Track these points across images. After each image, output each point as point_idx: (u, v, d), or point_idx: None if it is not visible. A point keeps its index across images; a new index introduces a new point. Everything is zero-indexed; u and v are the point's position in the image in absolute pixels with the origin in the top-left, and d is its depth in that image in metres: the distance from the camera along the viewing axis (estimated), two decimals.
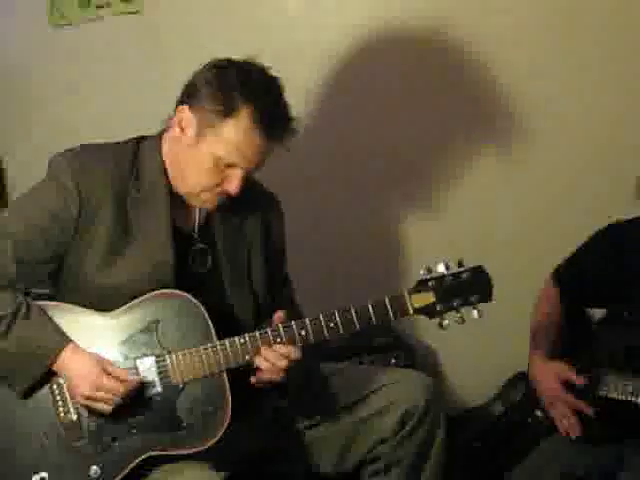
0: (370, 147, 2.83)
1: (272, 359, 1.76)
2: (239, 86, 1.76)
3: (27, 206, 1.84)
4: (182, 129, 1.79)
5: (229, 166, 1.78)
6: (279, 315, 1.78)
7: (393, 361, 2.61)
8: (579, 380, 2.09)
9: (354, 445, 1.99)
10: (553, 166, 2.63)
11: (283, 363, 1.76)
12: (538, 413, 2.21)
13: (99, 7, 2.76)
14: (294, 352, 1.76)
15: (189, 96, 1.81)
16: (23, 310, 1.75)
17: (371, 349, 2.62)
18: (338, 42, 2.76)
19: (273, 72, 1.83)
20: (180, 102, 1.82)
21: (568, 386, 2.10)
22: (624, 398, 1.98)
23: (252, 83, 1.77)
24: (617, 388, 2.03)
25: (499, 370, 2.47)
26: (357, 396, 1.98)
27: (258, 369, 1.78)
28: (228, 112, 1.74)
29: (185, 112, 1.79)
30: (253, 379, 1.80)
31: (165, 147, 1.87)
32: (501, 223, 2.86)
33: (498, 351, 2.62)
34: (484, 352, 2.72)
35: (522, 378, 2.32)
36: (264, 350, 1.76)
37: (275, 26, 2.79)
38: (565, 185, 2.70)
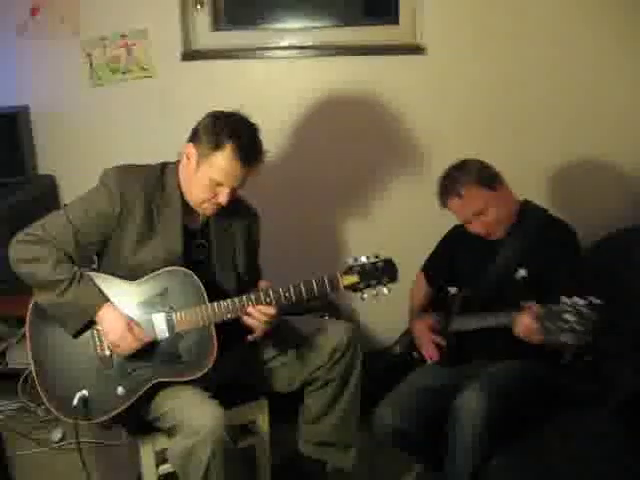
0: (321, 172, 3.37)
1: (255, 314, 2.18)
2: (225, 128, 2.17)
3: (84, 204, 2.23)
4: (188, 159, 2.22)
5: (219, 185, 2.19)
6: (261, 286, 2.23)
7: (326, 317, 3.08)
8: (436, 323, 2.63)
9: (299, 371, 2.44)
10: None
11: (263, 317, 2.18)
12: (415, 354, 2.71)
13: (124, 72, 3.26)
14: (270, 309, 2.19)
15: (193, 136, 2.23)
16: (78, 276, 2.16)
17: (311, 309, 3.10)
18: (300, 99, 3.27)
19: (253, 120, 2.24)
20: (188, 140, 2.24)
21: (431, 330, 2.63)
22: (474, 327, 2.47)
23: (235, 127, 2.18)
24: (460, 324, 2.53)
25: (397, 324, 2.96)
26: (300, 337, 2.43)
27: (248, 327, 2.21)
28: (217, 147, 2.15)
29: (190, 148, 2.21)
30: (250, 337, 2.23)
31: (179, 171, 2.28)
32: (405, 229, 3.38)
33: (396, 311, 2.91)
34: (387, 312, 3.02)
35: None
36: (250, 309, 2.18)
37: (254, 87, 3.28)
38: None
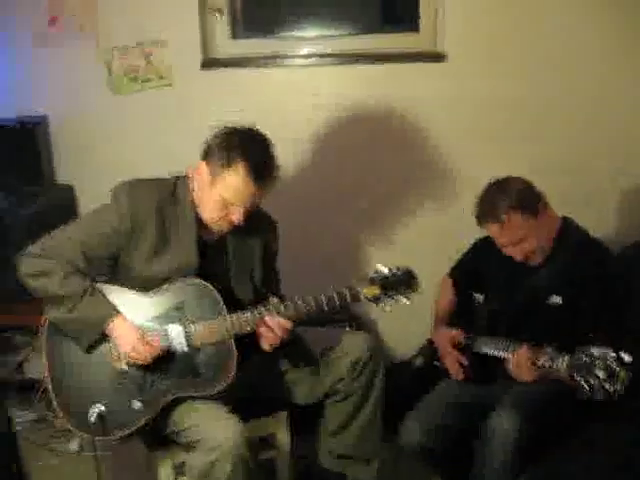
0: (339, 181, 3.36)
1: (273, 326, 2.16)
2: (238, 146, 2.12)
3: (94, 219, 2.22)
4: (200, 176, 2.18)
5: (231, 204, 2.16)
6: (272, 299, 2.20)
7: (347, 329, 3.09)
8: (461, 340, 2.53)
9: (320, 383, 2.40)
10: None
11: (279, 331, 2.16)
12: (438, 364, 2.63)
13: (143, 81, 3.26)
14: (287, 323, 2.17)
15: (206, 154, 2.19)
16: (89, 290, 2.14)
17: (333, 320, 3.09)
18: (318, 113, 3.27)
19: (268, 135, 2.21)
20: (201, 156, 2.20)
21: (455, 345, 2.54)
22: (490, 353, 2.42)
23: (247, 144, 2.14)
24: (481, 346, 2.46)
25: (419, 335, 2.89)
26: (320, 349, 2.42)
27: (261, 336, 2.17)
28: (229, 165, 2.11)
29: (203, 166, 2.18)
30: (264, 345, 2.19)
31: (193, 185, 2.24)
32: (426, 241, 3.34)
33: (416, 322, 2.92)
34: (408, 323, 3.08)
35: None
36: (267, 319, 2.16)
37: (273, 95, 3.27)
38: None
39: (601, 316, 2.33)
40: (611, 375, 2.04)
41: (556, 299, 2.39)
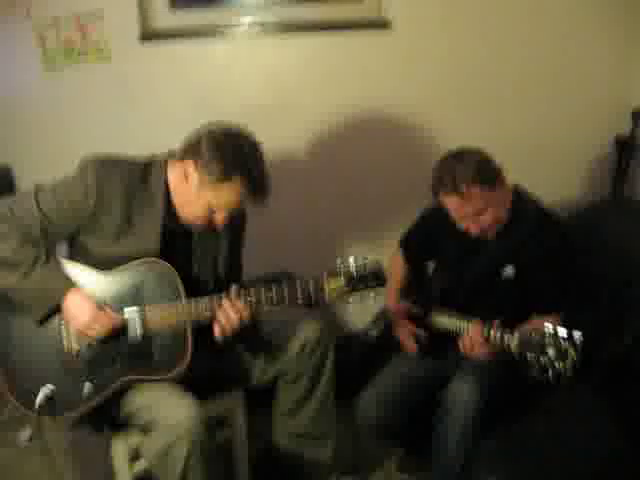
0: (288, 157, 3.26)
1: (227, 309, 2.10)
2: (235, 159, 2.05)
3: (58, 192, 2.09)
4: (186, 177, 2.10)
5: (219, 209, 2.12)
6: (233, 286, 2.14)
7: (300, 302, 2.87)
8: (414, 312, 2.52)
9: (271, 365, 2.40)
10: None
11: (236, 316, 2.10)
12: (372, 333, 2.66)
13: (79, 55, 3.09)
14: (245, 309, 2.11)
15: (193, 154, 2.08)
16: (42, 259, 2.04)
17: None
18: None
19: (258, 142, 2.13)
20: (184, 153, 2.10)
21: (410, 317, 2.54)
22: (443, 328, 2.41)
23: (245, 157, 2.07)
24: (440, 321, 2.44)
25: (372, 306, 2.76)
26: (269, 329, 2.38)
27: (216, 321, 2.11)
28: (227, 178, 2.05)
29: (190, 167, 2.08)
30: (216, 331, 2.11)
31: (170, 175, 2.15)
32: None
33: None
34: None
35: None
36: (225, 303, 2.09)
37: (215, 67, 3.17)
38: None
39: (554, 289, 2.33)
40: (562, 353, 2.05)
41: (509, 272, 2.37)
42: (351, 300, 2.13)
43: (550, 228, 2.38)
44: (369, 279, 2.13)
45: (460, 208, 2.30)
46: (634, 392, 2.47)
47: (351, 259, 2.13)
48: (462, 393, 2.23)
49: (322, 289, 2.11)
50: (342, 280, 2.11)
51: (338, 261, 2.14)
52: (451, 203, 2.31)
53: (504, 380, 2.33)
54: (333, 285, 2.12)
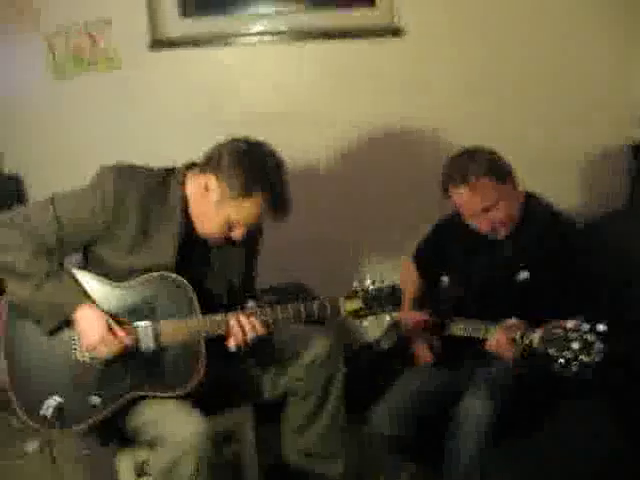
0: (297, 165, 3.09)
1: (245, 325, 2.06)
2: (258, 173, 2.02)
3: (75, 202, 2.06)
4: (207, 191, 2.06)
5: (239, 224, 2.09)
6: (250, 303, 2.14)
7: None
8: (428, 322, 2.47)
9: (280, 380, 2.35)
10: None
11: (251, 331, 2.06)
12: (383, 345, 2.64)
13: (89, 64, 3.13)
14: (260, 327, 2.08)
15: (215, 167, 2.06)
16: (56, 271, 2.01)
17: None
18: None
19: (280, 157, 2.11)
20: (206, 166, 2.08)
21: (424, 328, 2.49)
22: (464, 334, 2.35)
23: (268, 173, 2.05)
24: (459, 328, 2.38)
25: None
26: (279, 344, 2.32)
27: (230, 334, 2.06)
28: (248, 193, 2.02)
29: (212, 180, 2.05)
30: (230, 343, 2.07)
31: (189, 188, 2.12)
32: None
33: None
34: None
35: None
36: (242, 318, 2.06)
37: (225, 76, 3.17)
38: None
39: (570, 290, 2.28)
40: (586, 346, 1.98)
41: (523, 274, 2.33)
42: (366, 323, 2.13)
43: (563, 229, 2.36)
44: (386, 302, 2.12)
45: (469, 202, 2.28)
46: (634, 392, 2.45)
47: (368, 281, 2.11)
48: (475, 408, 2.19)
49: (339, 312, 2.10)
50: (359, 303, 2.10)
51: (355, 283, 2.12)
52: (460, 197, 2.29)
53: (518, 394, 2.29)
54: (349, 308, 2.11)
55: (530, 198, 2.40)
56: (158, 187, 2.12)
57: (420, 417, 2.38)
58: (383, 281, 2.12)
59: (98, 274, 2.11)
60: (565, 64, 3.25)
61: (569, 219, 2.42)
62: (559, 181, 3.26)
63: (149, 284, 2.09)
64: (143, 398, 2.10)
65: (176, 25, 3.23)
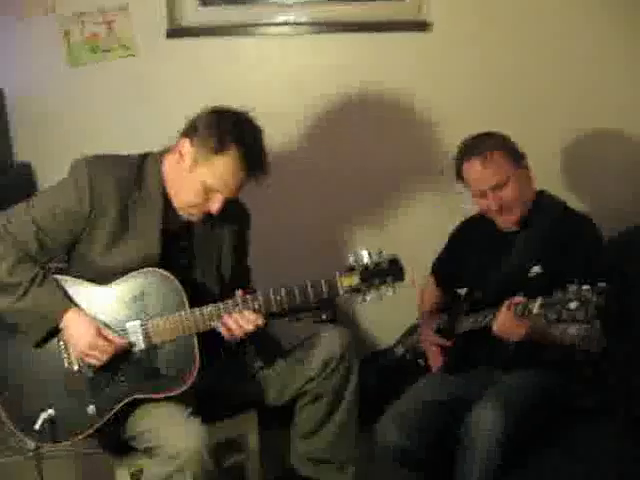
0: (315, 159, 3.18)
1: (239, 318, 2.00)
2: (231, 129, 1.97)
3: (51, 200, 2.02)
4: (182, 156, 2.00)
5: (213, 191, 2.01)
6: (240, 293, 2.04)
7: (324, 316, 2.94)
8: (441, 324, 2.51)
9: (289, 383, 2.26)
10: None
11: (250, 326, 2.00)
12: (421, 361, 2.59)
13: (104, 51, 3.04)
14: (256, 318, 2.00)
15: (190, 131, 2.01)
16: (39, 279, 1.96)
17: (308, 308, 2.87)
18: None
19: (259, 124, 2.05)
20: (183, 134, 2.02)
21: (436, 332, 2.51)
22: (472, 327, 2.34)
23: (242, 129, 1.99)
24: (466, 322, 2.38)
25: (399, 323, 2.86)
26: (290, 346, 2.26)
27: (227, 328, 2.01)
28: (220, 149, 1.95)
29: (186, 144, 1.99)
30: (225, 334, 2.02)
31: (166, 165, 2.06)
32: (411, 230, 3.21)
33: (398, 310, 2.75)
34: (389, 311, 2.80)
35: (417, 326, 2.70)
36: (232, 305, 1.99)
37: (244, 67, 3.09)
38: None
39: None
40: (584, 302, 1.94)
41: (537, 269, 2.33)
42: (368, 299, 2.01)
43: (575, 223, 2.37)
44: (385, 274, 2.00)
45: (482, 176, 2.30)
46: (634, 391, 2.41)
47: (364, 253, 2.01)
48: (486, 420, 2.10)
49: (335, 287, 1.99)
50: (356, 276, 1.99)
51: (351, 257, 2.01)
52: (474, 171, 2.31)
53: (533, 409, 2.22)
54: (347, 283, 2.00)
55: (542, 193, 2.44)
56: (134, 172, 2.06)
57: (429, 428, 2.30)
58: (381, 252, 2.03)
59: (82, 277, 2.05)
60: (600, 65, 3.14)
61: (581, 214, 2.43)
62: (596, 184, 3.22)
63: (135, 282, 2.03)
64: (139, 403, 2.03)
65: (195, 13, 3.14)
